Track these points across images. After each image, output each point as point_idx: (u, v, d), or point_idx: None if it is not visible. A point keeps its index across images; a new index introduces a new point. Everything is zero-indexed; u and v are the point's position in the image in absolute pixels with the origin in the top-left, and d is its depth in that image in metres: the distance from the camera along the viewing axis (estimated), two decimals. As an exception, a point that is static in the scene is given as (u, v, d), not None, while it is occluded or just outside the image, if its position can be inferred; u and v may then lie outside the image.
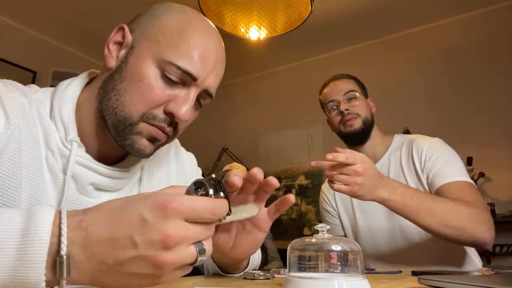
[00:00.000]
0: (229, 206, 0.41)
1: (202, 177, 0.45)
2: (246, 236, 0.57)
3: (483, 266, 1.13)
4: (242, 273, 0.71)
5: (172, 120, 0.60)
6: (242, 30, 1.71)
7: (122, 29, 0.62)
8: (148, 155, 0.62)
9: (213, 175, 0.43)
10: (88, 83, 0.66)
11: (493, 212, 2.42)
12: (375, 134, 1.27)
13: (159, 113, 0.59)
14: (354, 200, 1.27)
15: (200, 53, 0.59)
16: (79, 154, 0.59)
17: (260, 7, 1.62)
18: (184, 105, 0.59)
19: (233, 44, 3.04)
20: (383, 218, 1.19)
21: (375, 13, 2.91)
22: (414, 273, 0.73)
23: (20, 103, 0.57)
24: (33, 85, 0.65)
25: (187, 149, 0.86)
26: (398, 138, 1.28)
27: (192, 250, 0.38)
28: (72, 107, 0.61)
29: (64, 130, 0.59)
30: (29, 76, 3.07)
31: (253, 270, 0.72)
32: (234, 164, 3.00)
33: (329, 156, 0.89)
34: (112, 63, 0.61)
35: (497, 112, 2.66)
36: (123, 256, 0.36)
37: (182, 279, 0.65)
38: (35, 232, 0.35)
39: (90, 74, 0.68)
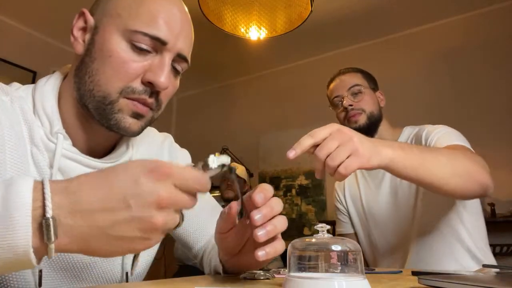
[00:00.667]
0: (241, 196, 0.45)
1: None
2: (251, 251, 0.55)
3: (483, 266, 1.13)
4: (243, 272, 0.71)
5: (152, 90, 0.59)
6: (242, 30, 1.71)
7: (83, 14, 0.62)
8: (136, 133, 0.62)
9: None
10: (65, 78, 0.66)
11: (493, 212, 2.42)
12: (383, 128, 1.23)
13: (137, 85, 0.58)
14: (363, 197, 1.26)
15: (164, 17, 0.58)
16: (65, 147, 0.59)
17: (260, 7, 1.62)
18: (161, 72, 0.58)
19: (233, 44, 3.05)
20: (391, 215, 1.18)
21: (375, 13, 2.91)
22: (414, 273, 0.73)
23: (0, 101, 0.57)
24: (14, 83, 0.64)
25: (187, 149, 0.86)
26: (407, 130, 1.24)
27: (177, 216, 0.39)
28: (54, 101, 0.61)
29: (49, 124, 0.59)
30: (29, 76, 3.07)
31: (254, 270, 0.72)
32: (233, 164, 2.99)
33: (290, 154, 0.66)
34: (80, 48, 0.60)
35: (497, 112, 2.66)
36: (115, 218, 0.36)
37: (182, 279, 0.65)
38: (16, 197, 0.35)
39: (66, 69, 0.68)
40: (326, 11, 2.86)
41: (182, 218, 0.41)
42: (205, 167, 0.43)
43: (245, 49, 3.27)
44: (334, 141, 0.65)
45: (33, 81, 3.08)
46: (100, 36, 0.59)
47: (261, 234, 0.48)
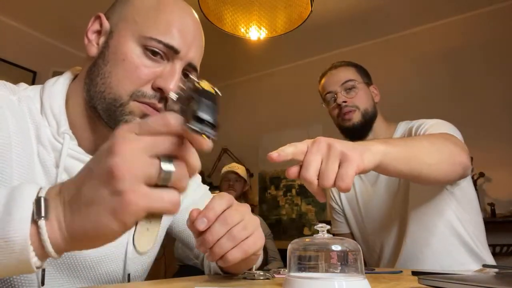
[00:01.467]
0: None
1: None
2: None
3: (483, 266, 1.13)
4: (243, 273, 0.71)
5: (162, 96, 0.61)
6: (242, 30, 1.71)
7: (99, 17, 0.64)
8: None
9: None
10: (73, 80, 0.67)
11: (493, 212, 2.42)
12: (378, 125, 1.20)
13: (148, 90, 0.60)
14: (359, 197, 1.25)
15: (179, 26, 0.61)
16: (71, 147, 0.60)
17: (260, 7, 1.61)
18: (171, 79, 0.60)
19: (233, 44, 3.05)
20: (388, 214, 1.17)
21: (374, 13, 2.91)
22: (414, 273, 0.73)
23: (8, 100, 0.57)
24: (22, 83, 0.65)
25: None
26: (402, 126, 1.22)
27: (153, 160, 0.34)
28: (62, 101, 0.62)
29: (56, 124, 0.60)
30: (29, 76, 3.07)
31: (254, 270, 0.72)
32: (233, 164, 3.00)
33: (274, 155, 0.56)
34: (94, 51, 0.62)
35: (496, 112, 2.66)
36: (81, 184, 0.35)
37: (182, 279, 0.65)
38: (20, 197, 0.35)
39: (75, 70, 0.69)
40: (326, 11, 2.86)
41: (167, 162, 0.34)
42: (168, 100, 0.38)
43: (245, 49, 3.27)
44: (314, 155, 0.57)
45: (33, 81, 3.07)
46: (115, 40, 0.60)
47: (207, 256, 0.50)
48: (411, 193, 1.11)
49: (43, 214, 0.34)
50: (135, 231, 0.37)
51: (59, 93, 0.62)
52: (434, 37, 3.03)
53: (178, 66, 0.61)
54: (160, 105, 0.61)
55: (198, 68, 0.67)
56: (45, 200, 0.35)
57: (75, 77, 0.67)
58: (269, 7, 1.62)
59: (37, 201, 0.35)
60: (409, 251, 1.12)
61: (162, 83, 0.59)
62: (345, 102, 1.17)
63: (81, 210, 0.34)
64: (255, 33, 1.72)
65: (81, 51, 3.44)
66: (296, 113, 3.59)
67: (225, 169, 2.84)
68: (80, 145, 0.61)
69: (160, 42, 0.59)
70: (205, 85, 0.36)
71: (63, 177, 0.59)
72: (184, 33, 0.61)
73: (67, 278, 0.60)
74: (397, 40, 3.21)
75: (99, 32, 0.63)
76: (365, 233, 1.24)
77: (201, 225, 0.49)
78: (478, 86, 2.77)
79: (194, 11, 0.67)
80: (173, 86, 0.60)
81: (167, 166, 0.34)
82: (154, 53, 0.59)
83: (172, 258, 2.69)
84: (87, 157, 0.61)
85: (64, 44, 3.33)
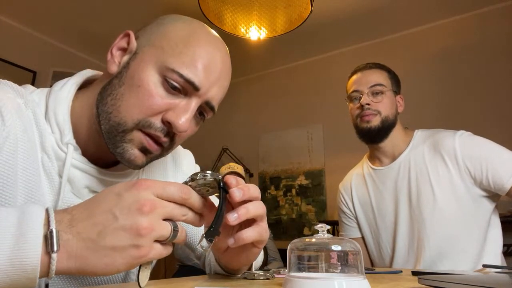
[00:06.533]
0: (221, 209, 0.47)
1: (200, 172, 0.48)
2: (239, 247, 0.53)
3: (483, 266, 1.13)
4: (243, 273, 0.71)
5: (169, 130, 0.58)
6: (242, 30, 1.71)
7: (128, 35, 0.60)
8: (139, 167, 0.60)
9: (209, 172, 0.48)
10: (84, 84, 0.65)
11: (493, 212, 2.41)
12: (396, 133, 1.20)
13: (157, 121, 0.56)
14: (373, 201, 1.24)
15: (205, 62, 0.57)
16: (75, 157, 0.58)
17: (260, 7, 1.62)
18: (183, 115, 0.56)
19: (233, 44, 3.04)
20: (403, 219, 1.16)
21: (375, 13, 2.91)
22: (414, 273, 0.73)
23: (16, 103, 0.55)
24: (28, 85, 0.63)
25: (188, 149, 0.86)
26: (419, 134, 1.21)
27: (167, 224, 0.42)
28: (67, 109, 0.60)
29: (59, 133, 0.58)
30: (29, 76, 3.07)
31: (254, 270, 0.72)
32: (232, 164, 2.99)
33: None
34: (114, 68, 0.59)
35: (494, 112, 2.66)
36: (105, 229, 0.39)
37: (182, 279, 0.65)
38: (30, 220, 0.38)
39: (86, 74, 0.66)
40: (326, 11, 2.86)
41: (174, 229, 0.43)
42: (192, 180, 0.47)
43: (245, 49, 3.27)
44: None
45: (33, 81, 3.07)
46: (136, 63, 0.57)
47: (232, 218, 0.48)
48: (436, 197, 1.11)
49: (55, 248, 0.38)
50: (139, 272, 0.46)
51: (65, 100, 0.60)
52: (434, 37, 3.03)
53: (194, 103, 0.58)
54: (165, 139, 0.58)
55: (216, 109, 0.63)
56: (57, 233, 0.38)
57: (84, 81, 0.65)
58: (269, 7, 1.62)
59: (50, 233, 0.38)
60: (427, 256, 1.10)
61: (173, 118, 0.56)
62: (368, 104, 1.16)
63: (99, 251, 0.39)
64: (255, 33, 1.72)
65: (80, 51, 3.45)
66: (296, 113, 3.59)
67: (224, 170, 2.83)
68: (83, 153, 0.60)
69: (181, 76, 0.55)
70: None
71: (66, 187, 0.57)
72: (209, 70, 0.58)
73: (67, 279, 0.60)
74: (397, 40, 3.22)
75: (124, 50, 0.60)
76: (378, 236, 1.23)
77: (234, 221, 0.48)
78: (476, 86, 2.77)
79: (226, 48, 0.63)
80: (183, 122, 0.56)
81: (175, 229, 0.44)
82: (173, 86, 0.56)
83: (172, 258, 2.69)
84: (91, 167, 0.59)
85: (64, 44, 3.33)
